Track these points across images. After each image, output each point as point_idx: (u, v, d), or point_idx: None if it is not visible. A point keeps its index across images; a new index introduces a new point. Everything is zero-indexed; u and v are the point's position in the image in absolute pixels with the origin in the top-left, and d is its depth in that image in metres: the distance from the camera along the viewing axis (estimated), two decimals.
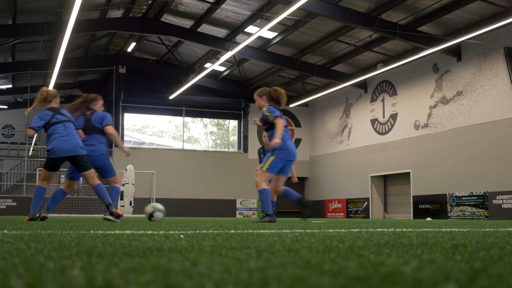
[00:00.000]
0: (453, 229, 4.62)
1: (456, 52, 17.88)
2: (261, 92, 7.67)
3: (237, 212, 25.10)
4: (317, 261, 1.51)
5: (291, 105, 25.85)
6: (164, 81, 25.02)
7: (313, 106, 26.54)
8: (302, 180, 26.99)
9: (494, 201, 16.41)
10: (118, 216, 7.16)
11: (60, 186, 7.75)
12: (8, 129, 30.76)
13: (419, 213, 19.27)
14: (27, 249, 1.88)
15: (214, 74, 25.08)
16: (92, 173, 7.37)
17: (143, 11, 20.19)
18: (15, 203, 21.56)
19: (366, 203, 22.19)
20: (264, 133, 8.90)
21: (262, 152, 10.57)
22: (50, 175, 7.44)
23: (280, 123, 7.21)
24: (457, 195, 17.73)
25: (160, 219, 7.43)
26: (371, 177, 22.02)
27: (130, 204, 19.40)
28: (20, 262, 1.41)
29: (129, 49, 24.17)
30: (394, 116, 20.98)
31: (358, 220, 13.93)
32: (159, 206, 7.54)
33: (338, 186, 24.14)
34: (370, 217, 21.69)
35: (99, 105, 8.05)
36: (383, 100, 21.68)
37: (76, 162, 7.24)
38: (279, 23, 17.52)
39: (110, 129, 7.69)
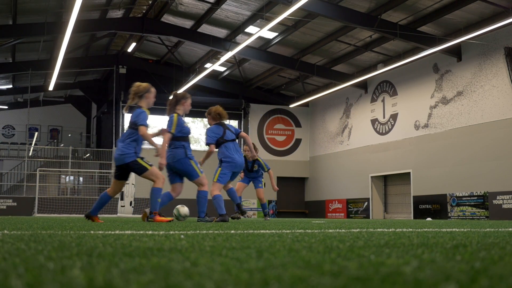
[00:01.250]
0: (454, 229, 4.62)
1: (456, 52, 17.88)
2: (208, 111, 8.47)
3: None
4: (318, 261, 1.51)
5: (291, 105, 25.86)
6: (164, 81, 25.02)
7: (313, 106, 26.54)
8: (302, 180, 27.01)
9: (495, 201, 16.41)
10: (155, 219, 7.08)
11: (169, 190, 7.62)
12: (9, 129, 30.77)
13: (419, 213, 19.27)
14: (27, 249, 1.88)
15: (214, 74, 25.09)
16: (149, 174, 7.07)
17: (143, 11, 20.20)
18: (15, 203, 21.57)
19: (366, 203, 22.19)
20: (244, 146, 10.59)
21: (244, 162, 11.09)
22: (114, 183, 7.17)
23: (209, 150, 8.20)
24: (458, 195, 17.72)
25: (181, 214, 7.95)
26: (371, 177, 22.02)
27: (131, 204, 19.41)
28: (20, 262, 1.41)
29: (130, 49, 24.19)
30: (394, 116, 20.98)
31: (358, 220, 13.93)
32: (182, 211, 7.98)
33: (338, 186, 24.14)
34: (371, 217, 21.69)
35: (188, 103, 7.74)
36: (383, 100, 21.68)
37: (128, 170, 7.06)
38: (279, 23, 17.52)
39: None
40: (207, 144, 8.22)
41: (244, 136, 8.66)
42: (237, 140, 8.60)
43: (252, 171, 11.47)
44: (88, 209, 21.48)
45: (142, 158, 7.07)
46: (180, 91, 23.52)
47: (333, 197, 24.48)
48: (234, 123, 27.83)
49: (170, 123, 7.51)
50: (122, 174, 7.12)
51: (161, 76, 25.33)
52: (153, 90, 7.31)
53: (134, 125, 7.04)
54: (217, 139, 8.23)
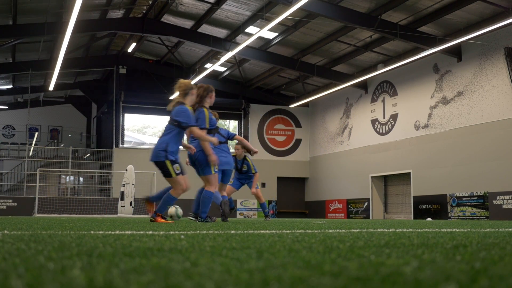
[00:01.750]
0: (454, 230, 4.62)
1: (456, 53, 17.88)
2: None
3: (238, 212, 25.11)
4: (318, 262, 1.50)
5: (291, 106, 25.86)
6: (164, 81, 25.02)
7: (314, 106, 26.54)
8: (302, 180, 27.00)
9: (495, 202, 16.40)
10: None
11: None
12: (9, 130, 30.77)
13: (419, 214, 19.26)
14: (27, 249, 1.88)
15: (214, 75, 25.07)
16: (172, 182, 6.90)
17: (144, 12, 20.20)
18: (15, 204, 21.57)
19: (366, 204, 22.19)
20: (235, 145, 11.24)
21: (234, 161, 11.33)
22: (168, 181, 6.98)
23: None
24: (458, 195, 17.72)
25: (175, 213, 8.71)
26: (372, 177, 22.01)
27: (131, 204, 19.41)
28: (20, 263, 1.41)
29: (130, 50, 24.18)
30: (394, 117, 20.98)
31: (358, 220, 13.93)
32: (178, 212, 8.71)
33: (339, 186, 24.13)
34: (371, 218, 21.68)
35: (214, 96, 7.71)
36: (383, 101, 21.68)
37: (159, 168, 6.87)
38: (280, 23, 17.52)
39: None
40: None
41: (238, 138, 9.22)
42: (228, 142, 9.08)
43: (241, 171, 11.47)
44: (89, 209, 21.58)
45: (173, 163, 6.85)
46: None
47: (333, 197, 24.48)
48: (234, 123, 27.86)
49: (203, 117, 7.32)
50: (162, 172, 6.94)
51: (161, 76, 25.32)
52: (195, 88, 7.26)
53: (174, 121, 6.87)
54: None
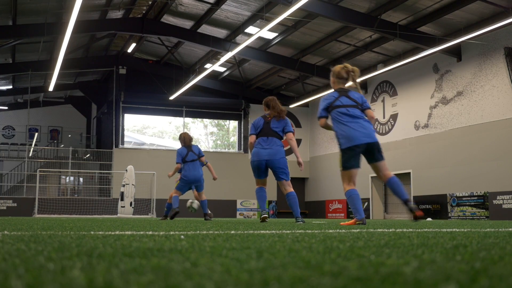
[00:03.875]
0: (454, 230, 4.62)
1: (456, 52, 17.88)
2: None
3: (238, 212, 25.11)
4: (318, 262, 1.50)
5: (291, 106, 25.85)
6: (164, 81, 25.02)
7: (313, 106, 26.53)
8: (302, 180, 27.00)
9: (495, 201, 16.41)
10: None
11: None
12: (9, 130, 30.77)
13: None
14: (27, 250, 1.88)
15: (214, 75, 25.08)
16: (385, 165, 6.60)
17: (143, 12, 20.20)
18: (15, 204, 21.57)
19: (366, 204, 22.19)
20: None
21: None
22: (351, 173, 6.55)
23: (176, 167, 10.72)
24: (458, 195, 17.72)
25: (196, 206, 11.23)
26: (372, 177, 22.01)
27: (131, 204, 19.41)
28: (20, 263, 1.41)
29: (129, 50, 24.18)
30: (394, 117, 20.98)
31: None
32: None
33: (339, 186, 24.10)
34: (371, 218, 21.68)
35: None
36: (383, 101, 21.68)
37: (373, 151, 6.42)
38: (279, 23, 17.53)
39: (290, 135, 7.92)
40: (177, 162, 10.60)
41: (209, 166, 11.10)
42: (201, 159, 10.59)
43: None
44: (89, 209, 21.57)
45: None
46: (179, 92, 23.54)
47: (333, 197, 24.47)
48: (234, 123, 27.86)
49: (290, 124, 8.15)
50: (357, 159, 6.47)
51: (161, 76, 25.32)
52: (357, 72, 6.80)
53: (363, 106, 6.41)
54: (182, 159, 10.48)
